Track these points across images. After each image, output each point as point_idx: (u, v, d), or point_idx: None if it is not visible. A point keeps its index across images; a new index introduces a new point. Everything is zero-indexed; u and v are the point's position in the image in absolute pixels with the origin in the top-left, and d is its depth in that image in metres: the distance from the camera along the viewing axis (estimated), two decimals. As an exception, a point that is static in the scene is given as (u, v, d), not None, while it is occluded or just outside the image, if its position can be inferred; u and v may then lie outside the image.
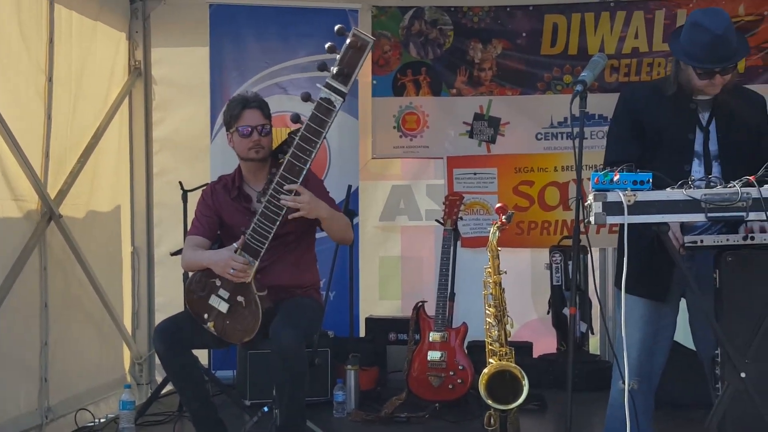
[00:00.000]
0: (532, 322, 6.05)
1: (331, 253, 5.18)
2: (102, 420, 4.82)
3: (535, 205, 6.04)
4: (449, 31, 6.00)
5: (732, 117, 3.55)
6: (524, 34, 5.96)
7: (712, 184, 3.13)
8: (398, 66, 6.03)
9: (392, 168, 6.25)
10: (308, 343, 3.92)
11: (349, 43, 3.57)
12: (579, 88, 3.41)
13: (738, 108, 3.56)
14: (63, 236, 4.90)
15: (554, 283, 5.78)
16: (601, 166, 3.38)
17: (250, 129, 3.92)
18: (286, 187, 3.70)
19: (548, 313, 5.84)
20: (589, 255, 5.65)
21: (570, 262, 5.74)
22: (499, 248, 3.79)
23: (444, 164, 6.07)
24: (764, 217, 3.04)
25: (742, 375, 3.15)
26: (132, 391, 4.73)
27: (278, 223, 3.73)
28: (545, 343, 5.87)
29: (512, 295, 5.79)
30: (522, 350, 5.64)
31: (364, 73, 5.93)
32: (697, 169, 3.51)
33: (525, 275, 6.08)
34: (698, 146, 3.54)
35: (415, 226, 6.23)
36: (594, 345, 5.83)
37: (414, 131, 6.08)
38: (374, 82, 6.03)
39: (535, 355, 5.81)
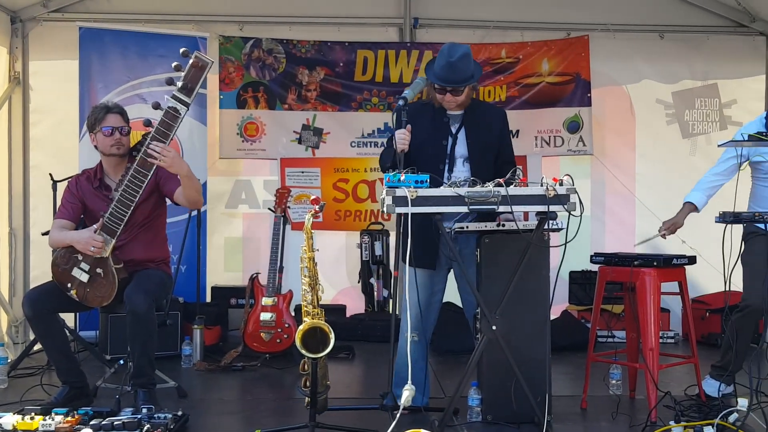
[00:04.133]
0: (346, 289, 6.06)
1: (182, 234, 5.00)
2: (-22, 374, 4.46)
3: (350, 197, 6.05)
4: (282, 59, 5.91)
5: (478, 126, 3.63)
6: (341, 64, 5.95)
7: (464, 183, 3.19)
8: (241, 84, 5.90)
9: (236, 166, 6.08)
10: (158, 306, 3.75)
11: (192, 63, 3.47)
12: (401, 102, 3.43)
13: (483, 119, 3.66)
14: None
15: (363, 259, 5.83)
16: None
17: (112, 129, 3.75)
18: (158, 145, 3.45)
19: (359, 282, 5.88)
20: (390, 237, 5.81)
21: (376, 243, 5.82)
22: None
23: (278, 164, 5.99)
24: (510, 210, 3.17)
25: (494, 328, 3.28)
26: (6, 349, 4.38)
27: (132, 208, 3.58)
28: (356, 306, 5.89)
29: (331, 269, 5.90)
30: (337, 312, 5.67)
31: (212, 89, 5.78)
32: (447, 167, 3.58)
33: (341, 252, 6.08)
34: (449, 150, 3.61)
35: (254, 213, 6.08)
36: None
37: (254, 137, 5.95)
38: (221, 96, 5.88)
39: (348, 315, 5.81)
